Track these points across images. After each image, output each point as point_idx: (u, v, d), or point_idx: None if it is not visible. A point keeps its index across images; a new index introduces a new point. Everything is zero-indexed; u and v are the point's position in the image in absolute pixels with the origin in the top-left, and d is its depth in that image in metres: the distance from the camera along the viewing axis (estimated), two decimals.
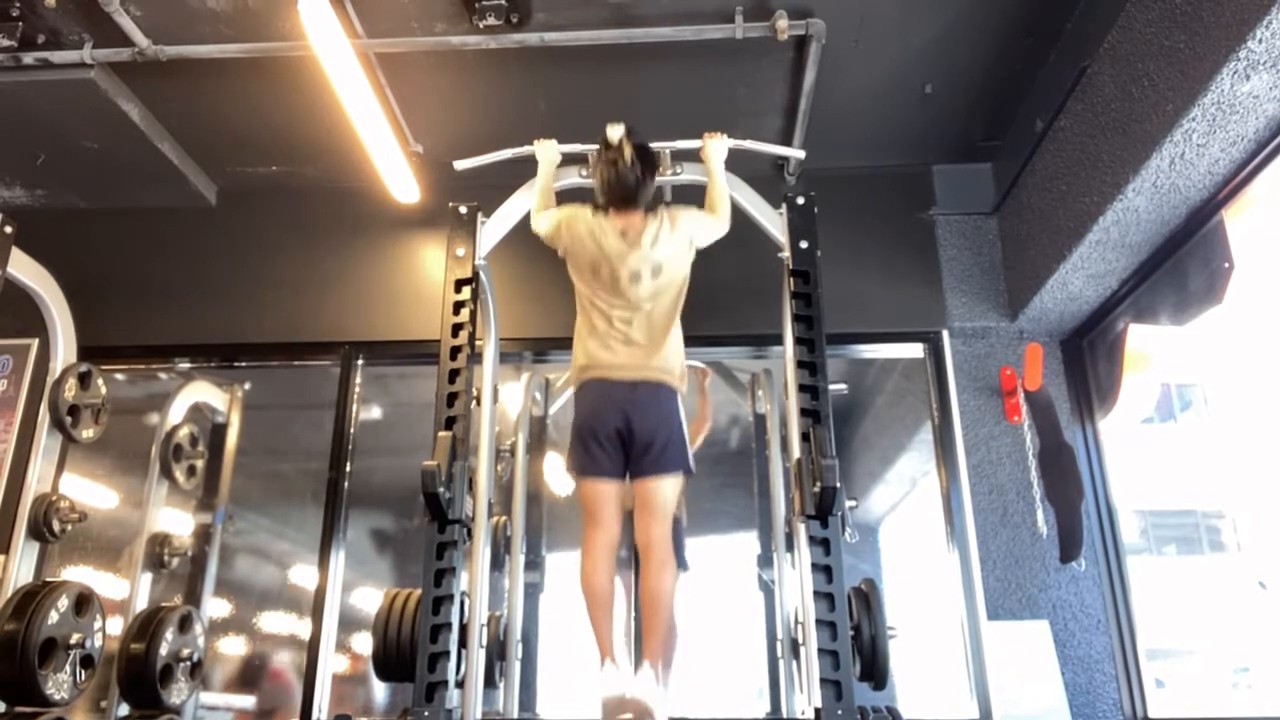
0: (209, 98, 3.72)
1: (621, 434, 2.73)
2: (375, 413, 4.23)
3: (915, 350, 4.01)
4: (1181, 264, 3.26)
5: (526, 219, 3.13)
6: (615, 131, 2.76)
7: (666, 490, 2.75)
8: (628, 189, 2.76)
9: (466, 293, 2.96)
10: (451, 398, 2.81)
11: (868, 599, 2.69)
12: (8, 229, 3.26)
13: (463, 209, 3.10)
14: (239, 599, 4.11)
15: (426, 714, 2.46)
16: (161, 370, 4.34)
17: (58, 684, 2.86)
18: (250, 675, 4.04)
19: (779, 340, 3.13)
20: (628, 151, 2.73)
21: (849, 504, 3.60)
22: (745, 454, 4.07)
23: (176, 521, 4.01)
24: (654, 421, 2.73)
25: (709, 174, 3.07)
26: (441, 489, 2.57)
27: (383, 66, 3.51)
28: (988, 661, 3.40)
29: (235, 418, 4.28)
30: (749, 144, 3.15)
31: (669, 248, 2.83)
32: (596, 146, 2.89)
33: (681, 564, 3.36)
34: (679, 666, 3.14)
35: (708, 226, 2.95)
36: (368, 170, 3.84)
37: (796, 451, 2.75)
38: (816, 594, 2.53)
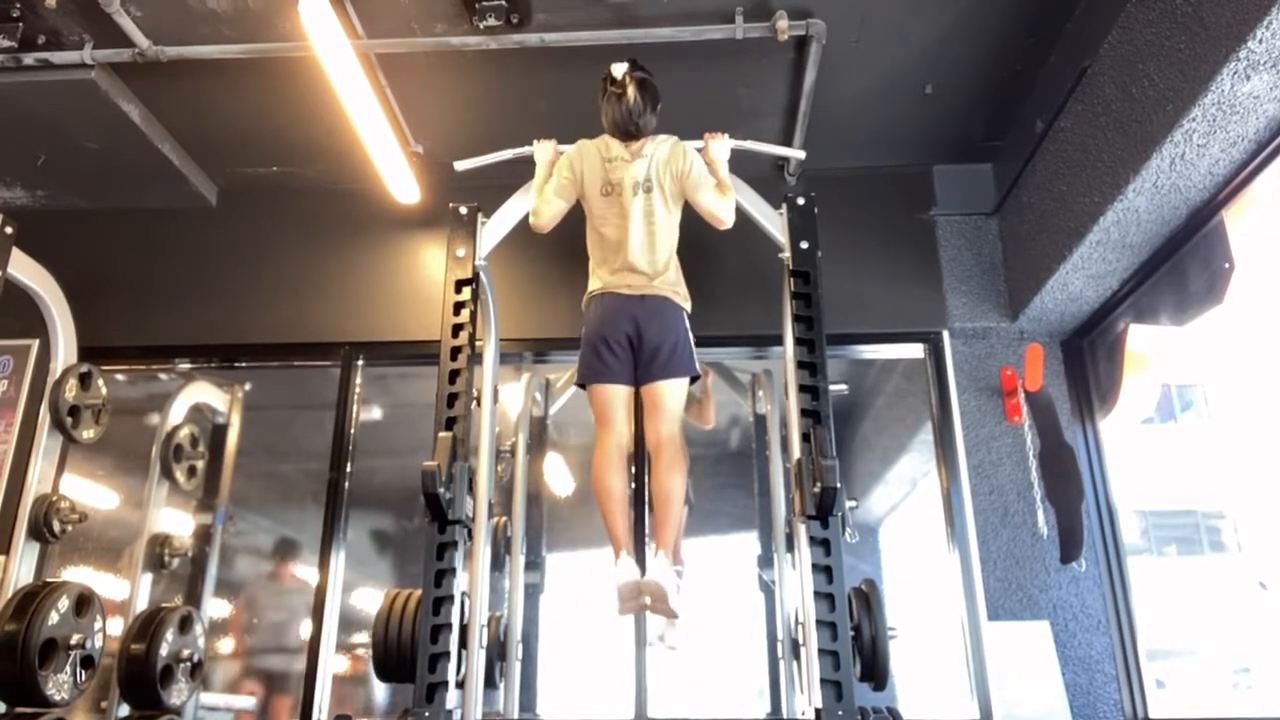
0: (209, 98, 3.73)
1: (631, 340, 2.89)
2: (375, 413, 4.22)
3: (916, 350, 4.01)
4: (1182, 264, 3.26)
5: (526, 220, 3.13)
6: (619, 68, 2.93)
7: (674, 392, 2.91)
8: (631, 122, 2.93)
9: (467, 293, 2.96)
10: (452, 398, 2.81)
11: (868, 599, 2.69)
12: (8, 229, 3.26)
13: (463, 209, 3.10)
14: (240, 600, 4.11)
15: (427, 714, 2.46)
16: (162, 371, 4.34)
17: (58, 684, 2.86)
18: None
19: (779, 341, 3.13)
20: (630, 88, 2.90)
21: (849, 504, 3.60)
22: (745, 454, 4.07)
23: (177, 522, 4.01)
24: (661, 328, 2.89)
25: (713, 173, 3.07)
26: (442, 489, 2.57)
27: (383, 67, 3.52)
28: (988, 662, 3.40)
29: (236, 418, 4.29)
30: (749, 144, 3.15)
31: (663, 164, 2.96)
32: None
33: (688, 499, 3.45)
34: (679, 667, 3.15)
35: (711, 190, 3.00)
36: (368, 171, 3.84)
37: (797, 452, 2.75)
38: (817, 594, 2.53)
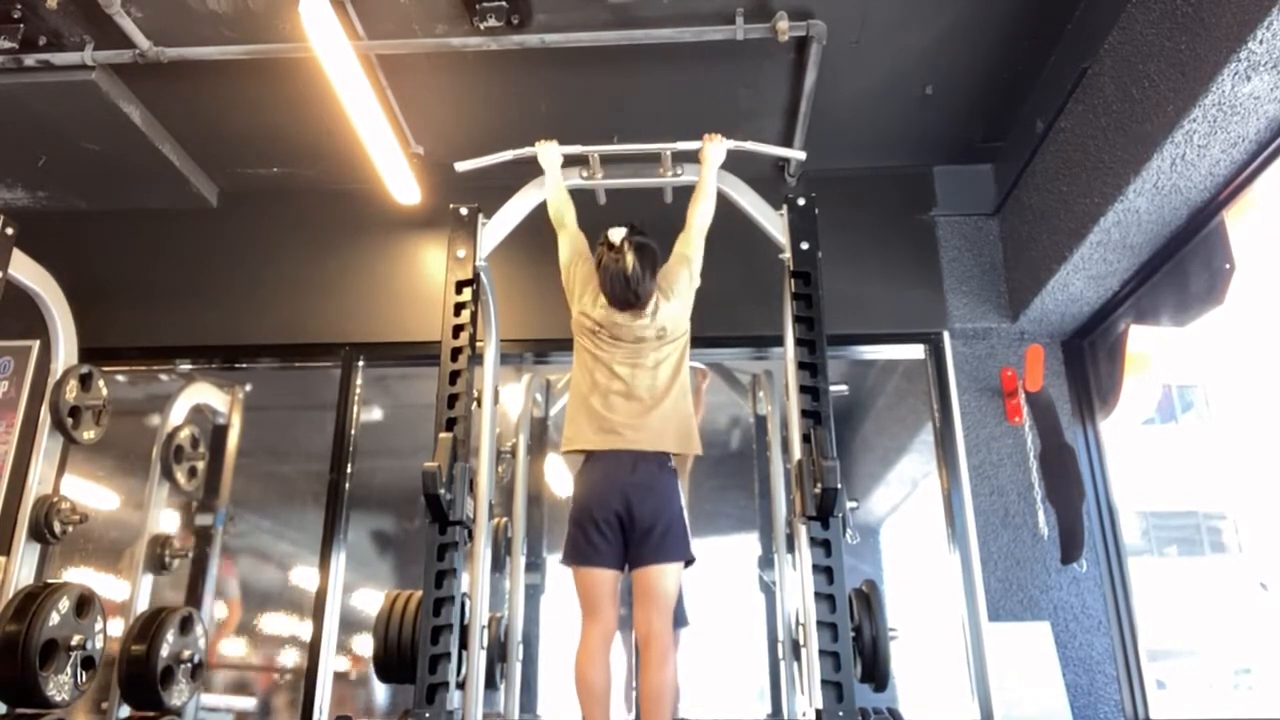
0: (210, 99, 3.73)
1: (621, 519, 2.65)
2: (376, 414, 4.22)
3: (916, 351, 4.01)
4: (1182, 265, 3.26)
5: (528, 221, 3.14)
6: (617, 234, 2.76)
7: (668, 580, 2.65)
8: (630, 291, 2.73)
9: (467, 294, 2.96)
10: (452, 399, 2.81)
11: (869, 600, 2.69)
12: (9, 230, 3.26)
13: (463, 210, 3.10)
14: (240, 600, 4.10)
15: (427, 715, 2.46)
16: (162, 372, 4.34)
17: (59, 685, 2.86)
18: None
19: (780, 341, 3.13)
20: (629, 257, 2.70)
21: (850, 505, 3.59)
22: (746, 455, 4.07)
23: (177, 523, 4.01)
24: (654, 506, 2.65)
25: (700, 175, 3.06)
26: (442, 490, 2.57)
27: (384, 68, 3.52)
28: (989, 663, 3.40)
29: (236, 419, 4.29)
30: (749, 145, 3.15)
31: (669, 313, 2.82)
32: (598, 149, 2.93)
33: (682, 620, 3.30)
34: (681, 671, 3.13)
35: (687, 277, 2.90)
36: (369, 172, 3.84)
37: (797, 453, 2.75)
38: (817, 595, 2.53)
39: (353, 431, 4.01)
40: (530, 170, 3.18)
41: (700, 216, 2.99)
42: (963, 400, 3.81)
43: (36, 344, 3.79)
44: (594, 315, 2.82)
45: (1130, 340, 3.64)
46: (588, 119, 3.20)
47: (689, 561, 2.71)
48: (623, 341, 2.80)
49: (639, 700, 2.60)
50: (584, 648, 2.64)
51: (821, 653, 2.46)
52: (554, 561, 3.95)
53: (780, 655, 3.11)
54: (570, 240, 2.99)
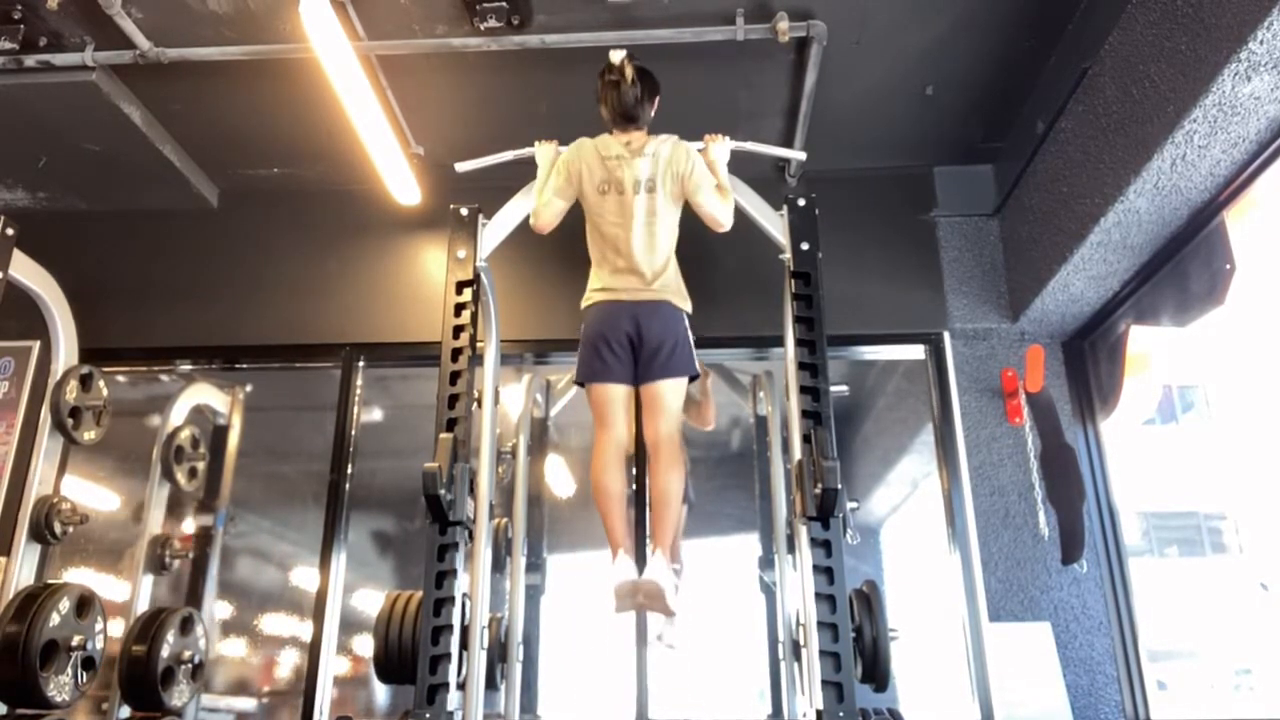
0: (211, 100, 3.73)
1: (631, 339, 2.89)
2: (376, 414, 4.23)
3: (916, 352, 4.01)
4: (1183, 265, 3.26)
5: (528, 221, 3.13)
6: (617, 55, 2.92)
7: (673, 392, 2.92)
8: (628, 106, 2.93)
9: (467, 294, 2.96)
10: (453, 399, 2.81)
11: (869, 601, 2.69)
12: (9, 231, 3.26)
13: (464, 211, 3.10)
14: (240, 601, 4.11)
15: (428, 716, 2.46)
16: (163, 372, 4.34)
17: (59, 686, 2.86)
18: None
19: (780, 342, 3.13)
20: (629, 71, 2.89)
21: (850, 506, 3.59)
22: (746, 456, 4.07)
23: (177, 523, 4.01)
24: (661, 327, 2.90)
25: (713, 175, 3.08)
26: (443, 491, 2.57)
27: (384, 68, 3.52)
28: (989, 663, 3.40)
29: (236, 420, 4.29)
30: (750, 146, 3.15)
31: (665, 163, 2.94)
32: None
33: (688, 497, 3.47)
34: (680, 668, 3.14)
35: (711, 192, 3.00)
36: (369, 172, 3.84)
37: (798, 453, 2.75)
38: (818, 596, 2.53)
39: (353, 432, 4.01)
40: (531, 171, 3.18)
41: (728, 202, 3.06)
42: (963, 400, 3.81)
43: (37, 344, 3.80)
44: (598, 162, 2.95)
45: (1131, 340, 3.64)
46: (588, 119, 3.20)
47: (694, 376, 2.97)
48: (625, 196, 2.92)
49: (649, 500, 2.86)
50: (599, 455, 2.88)
51: (822, 653, 2.46)
52: (555, 562, 3.96)
53: (780, 656, 3.11)
54: (551, 182, 3.05)
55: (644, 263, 2.95)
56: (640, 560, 2.90)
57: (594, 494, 2.86)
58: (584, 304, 3.05)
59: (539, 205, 3.05)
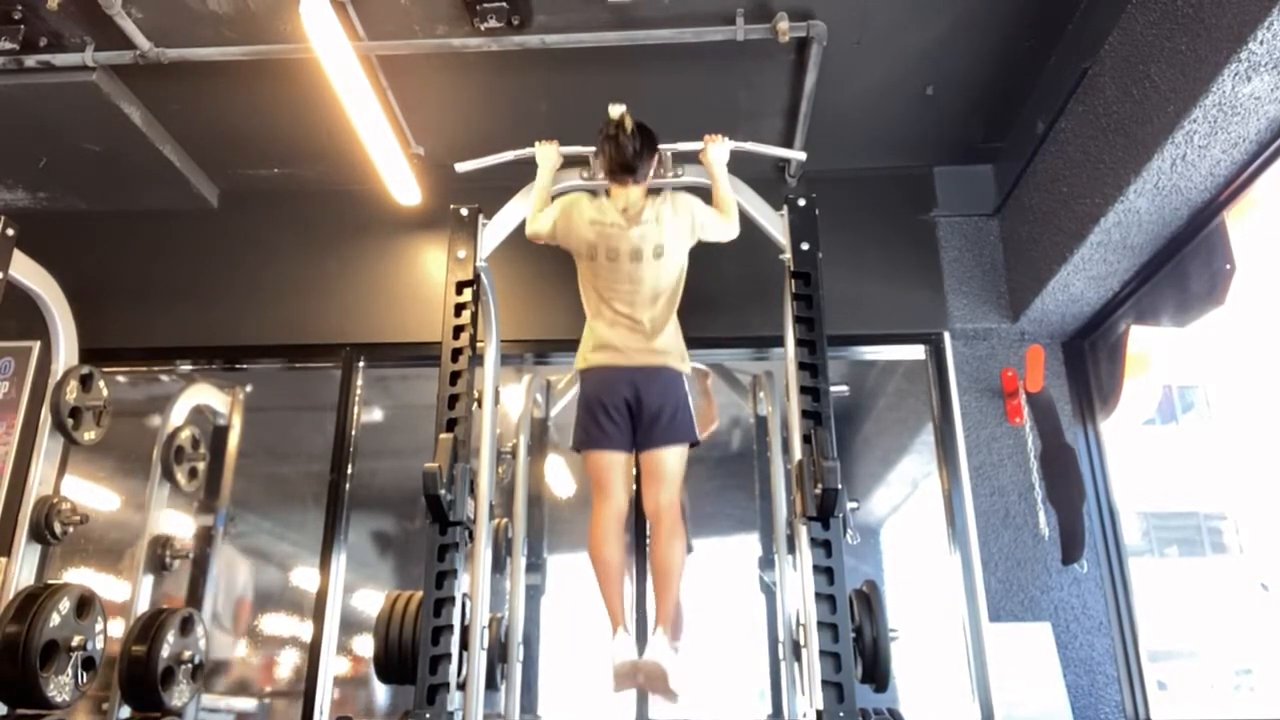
0: (211, 100, 3.73)
1: (630, 405, 2.82)
2: (376, 415, 4.23)
3: (917, 352, 4.01)
4: (1183, 265, 3.26)
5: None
6: (616, 109, 2.88)
7: (674, 460, 2.84)
8: (627, 160, 2.86)
9: (468, 295, 2.96)
10: (453, 400, 2.81)
11: (869, 601, 2.69)
12: (10, 231, 3.26)
13: (464, 211, 3.10)
14: (241, 601, 4.10)
15: (428, 716, 2.46)
16: (163, 372, 4.34)
17: (59, 686, 2.86)
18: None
19: (780, 342, 3.13)
20: (628, 124, 2.84)
21: (850, 506, 3.59)
22: (746, 456, 4.06)
23: (178, 524, 4.01)
24: (660, 393, 2.83)
25: (712, 179, 3.09)
26: (443, 491, 2.57)
27: (384, 69, 3.52)
28: (989, 663, 3.40)
29: (236, 420, 4.29)
30: (750, 146, 3.15)
31: (670, 228, 2.89)
32: (595, 148, 2.95)
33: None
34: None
35: (715, 221, 3.00)
36: (369, 172, 3.84)
37: (798, 453, 2.75)
38: (818, 596, 2.52)
39: (353, 432, 4.01)
40: (531, 171, 3.18)
41: (733, 214, 3.04)
42: (963, 401, 3.81)
43: (37, 345, 3.80)
44: (591, 228, 2.90)
45: (1131, 341, 3.64)
46: (588, 120, 3.20)
47: (694, 443, 2.90)
48: (620, 263, 2.86)
49: (651, 572, 2.76)
50: (597, 525, 2.79)
51: (822, 653, 2.46)
52: (555, 562, 3.96)
53: (781, 656, 3.11)
54: (544, 214, 3.03)
55: (645, 318, 2.90)
56: (642, 635, 2.80)
57: (592, 565, 2.77)
58: (580, 365, 2.97)
59: (534, 225, 3.05)
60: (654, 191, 3.00)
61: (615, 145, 2.86)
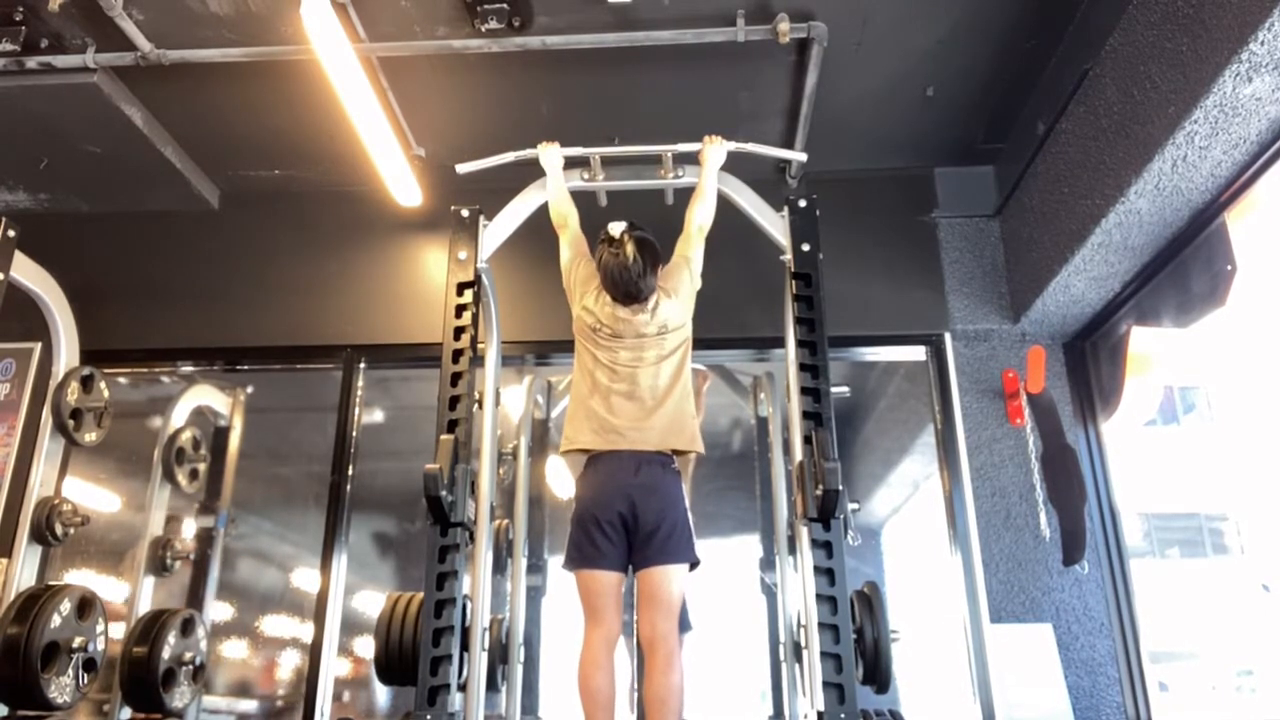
0: (211, 101, 3.73)
1: (625, 520, 2.63)
2: (377, 416, 4.23)
3: (918, 353, 4.01)
4: (1184, 266, 3.25)
5: (529, 223, 3.14)
6: (617, 227, 2.76)
7: (673, 582, 2.62)
8: (631, 286, 2.73)
9: (468, 296, 2.96)
10: (453, 401, 2.81)
11: (870, 602, 2.68)
12: (11, 233, 3.26)
13: (465, 212, 3.10)
14: (241, 603, 4.11)
15: (429, 717, 2.46)
16: (164, 374, 4.35)
17: (60, 687, 2.86)
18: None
19: (781, 343, 3.13)
20: (629, 248, 2.71)
21: (851, 507, 3.59)
22: (747, 457, 4.06)
23: (178, 525, 4.01)
24: (658, 507, 2.63)
25: (700, 177, 3.07)
26: (443, 492, 2.57)
27: (385, 70, 3.52)
28: (990, 664, 3.40)
29: (237, 421, 4.29)
30: (750, 147, 3.15)
31: (670, 310, 2.81)
32: (599, 150, 2.94)
33: (686, 625, 3.25)
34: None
35: (689, 277, 2.89)
36: (370, 174, 3.84)
37: (799, 454, 2.75)
38: (819, 597, 2.52)
39: (354, 433, 4.01)
40: (532, 172, 3.18)
41: (699, 217, 2.98)
42: (964, 402, 3.81)
43: (38, 346, 3.80)
44: (596, 313, 2.81)
45: (1132, 342, 3.64)
46: (589, 121, 3.20)
47: (694, 564, 2.68)
48: (624, 340, 2.79)
49: (643, 705, 2.55)
50: (587, 653, 2.59)
51: (823, 655, 2.45)
52: (555, 563, 3.95)
53: (782, 657, 3.11)
54: (571, 241, 2.99)
55: (645, 386, 2.76)
56: None
57: (580, 696, 2.55)
58: (569, 446, 2.78)
59: (557, 208, 3.03)
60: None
61: (620, 270, 2.71)
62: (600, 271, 2.80)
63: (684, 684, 2.54)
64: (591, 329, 2.83)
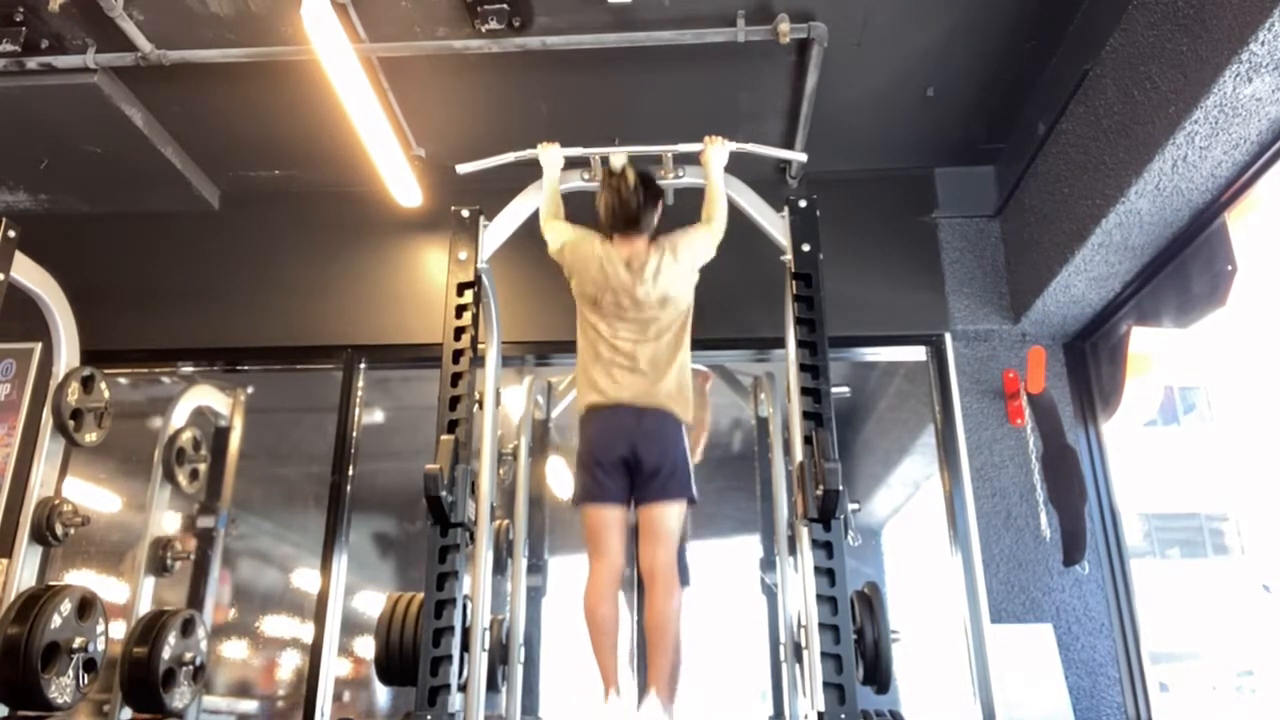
0: (212, 102, 3.73)
1: (627, 461, 2.74)
2: (377, 416, 4.23)
3: (918, 353, 4.01)
4: (1184, 267, 3.25)
5: (529, 223, 3.14)
6: (618, 161, 2.86)
7: (672, 517, 2.76)
8: (630, 213, 2.83)
9: (469, 296, 2.96)
10: (454, 401, 2.81)
11: (870, 602, 2.68)
12: (11, 233, 3.26)
13: (465, 212, 3.10)
14: (242, 603, 4.11)
15: (429, 718, 2.46)
16: (164, 374, 4.34)
17: (60, 688, 2.86)
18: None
19: (781, 343, 3.13)
20: (630, 177, 2.80)
21: (852, 507, 3.59)
22: (747, 457, 4.06)
23: (179, 525, 4.01)
24: (660, 449, 2.75)
25: (707, 178, 3.09)
26: (444, 492, 2.57)
27: (385, 70, 3.52)
28: (991, 665, 3.40)
29: (238, 421, 4.29)
30: (750, 147, 3.15)
31: (672, 277, 2.86)
32: (599, 150, 2.95)
33: (685, 580, 3.35)
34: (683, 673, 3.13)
35: (705, 242, 2.97)
36: (370, 174, 3.84)
37: (799, 455, 2.75)
38: (819, 597, 2.52)
39: (354, 434, 4.01)
40: (532, 172, 3.18)
41: (716, 214, 3.03)
42: (964, 402, 3.81)
43: (38, 346, 3.80)
44: (600, 271, 2.86)
45: (1132, 342, 3.64)
46: (589, 121, 3.21)
47: (692, 501, 2.81)
48: (624, 310, 2.84)
49: (644, 630, 2.68)
50: (593, 584, 2.73)
51: (823, 655, 2.45)
52: (556, 563, 3.95)
53: (782, 657, 3.11)
54: (560, 229, 3.02)
55: (645, 359, 2.83)
56: (642, 691, 2.70)
57: (586, 624, 2.69)
58: (579, 405, 2.90)
59: (546, 216, 3.06)
60: (653, 240, 2.94)
61: (618, 199, 2.83)
62: (601, 205, 2.88)
63: (681, 610, 2.69)
64: (593, 301, 2.88)
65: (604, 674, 2.64)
